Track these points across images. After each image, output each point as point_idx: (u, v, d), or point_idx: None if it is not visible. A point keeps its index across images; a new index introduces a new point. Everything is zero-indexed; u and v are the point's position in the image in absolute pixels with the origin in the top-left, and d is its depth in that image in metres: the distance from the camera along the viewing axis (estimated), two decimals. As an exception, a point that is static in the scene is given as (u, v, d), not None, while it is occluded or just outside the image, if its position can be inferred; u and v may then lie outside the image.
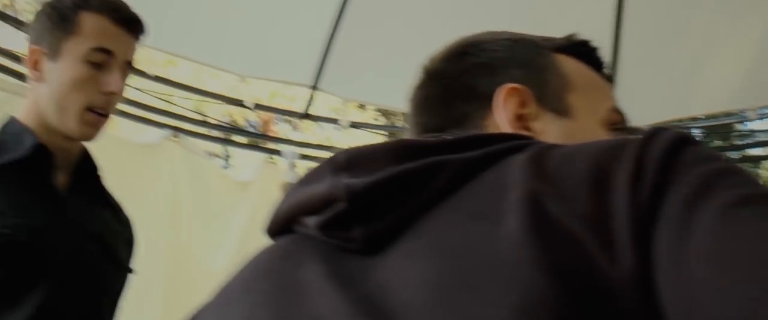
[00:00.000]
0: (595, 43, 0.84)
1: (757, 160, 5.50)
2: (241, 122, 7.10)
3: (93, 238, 1.53)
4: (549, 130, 0.76)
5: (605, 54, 0.87)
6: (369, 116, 8.47)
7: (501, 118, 0.75)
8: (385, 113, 9.10)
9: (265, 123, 5.26)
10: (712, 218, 0.46)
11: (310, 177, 0.66)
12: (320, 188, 0.63)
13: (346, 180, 0.61)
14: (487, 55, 0.80)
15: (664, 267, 0.46)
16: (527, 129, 0.75)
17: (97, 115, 1.50)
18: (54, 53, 1.49)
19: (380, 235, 0.59)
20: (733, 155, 4.71)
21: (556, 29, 0.86)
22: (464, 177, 0.60)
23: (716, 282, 0.42)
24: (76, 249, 1.48)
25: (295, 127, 4.01)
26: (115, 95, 1.51)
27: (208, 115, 4.69)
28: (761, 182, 0.50)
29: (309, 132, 6.04)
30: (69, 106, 1.47)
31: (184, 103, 3.62)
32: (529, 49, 0.81)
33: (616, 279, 0.46)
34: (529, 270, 0.48)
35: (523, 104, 0.76)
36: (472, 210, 0.56)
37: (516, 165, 0.57)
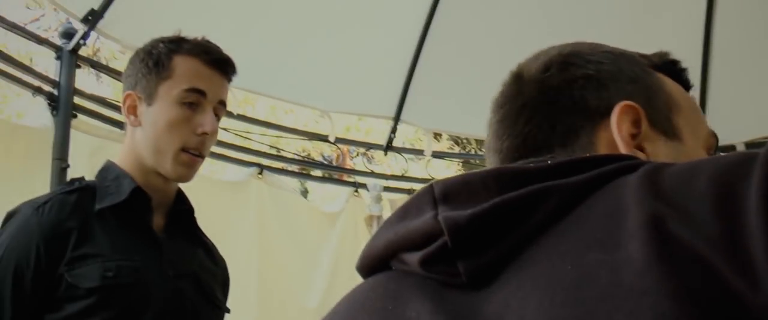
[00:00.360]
0: (684, 64, 0.81)
1: None
2: (317, 157, 7.18)
3: (190, 279, 1.56)
4: (660, 152, 0.71)
5: (694, 73, 0.82)
6: (444, 145, 8.45)
7: (615, 136, 0.71)
8: (457, 141, 9.07)
9: (340, 157, 5.29)
10: None
11: (407, 212, 0.64)
12: (419, 223, 0.60)
13: (447, 213, 0.58)
14: (594, 66, 0.75)
15: None
16: (641, 149, 0.70)
17: (192, 155, 1.52)
18: (149, 97, 1.53)
19: (486, 269, 0.57)
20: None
21: (645, 50, 0.82)
22: (571, 203, 0.57)
23: None
24: (175, 289, 1.50)
25: (370, 160, 3.98)
26: (209, 136, 1.53)
27: (286, 151, 4.73)
28: None
29: (385, 164, 6.04)
30: (165, 148, 1.50)
31: (263, 140, 3.67)
32: (634, 65, 0.76)
33: (758, 306, 0.43)
34: (657, 299, 0.44)
35: (636, 123, 0.71)
36: (585, 237, 0.53)
37: (629, 188, 0.54)
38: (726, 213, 0.47)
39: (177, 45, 1.54)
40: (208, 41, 1.59)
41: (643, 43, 0.87)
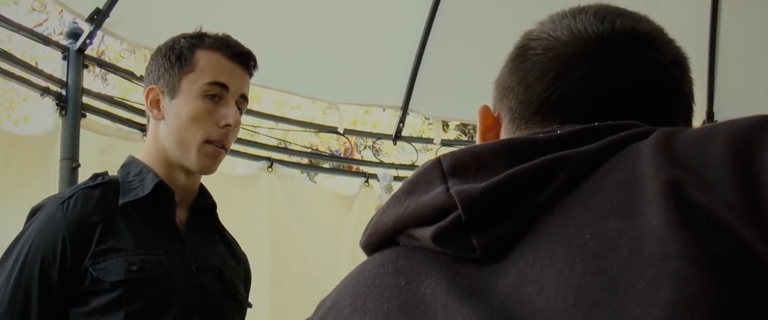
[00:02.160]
0: (691, 48, 0.78)
1: None
2: (325, 152, 7.17)
3: (212, 273, 1.56)
4: None
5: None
6: (451, 135, 8.44)
7: None
8: (464, 131, 9.06)
9: (348, 150, 5.29)
10: None
11: (415, 187, 0.62)
12: (430, 197, 0.59)
13: (459, 187, 0.58)
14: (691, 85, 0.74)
15: None
16: None
17: (216, 147, 1.53)
18: (172, 91, 1.53)
19: (500, 242, 0.56)
20: None
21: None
22: (585, 172, 0.56)
23: None
24: (199, 283, 1.51)
25: (378, 153, 3.98)
26: (231, 128, 1.54)
27: (295, 144, 4.73)
28: None
29: (392, 156, 6.04)
30: (189, 140, 1.51)
31: (271, 134, 3.67)
32: None
33: (756, 266, 0.43)
34: (679, 264, 0.44)
35: None
36: (603, 206, 0.52)
37: (644, 155, 0.53)
38: (744, 178, 0.47)
39: (199, 39, 1.55)
40: (228, 36, 1.59)
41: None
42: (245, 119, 3.51)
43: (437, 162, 0.62)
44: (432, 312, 0.54)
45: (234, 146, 3.25)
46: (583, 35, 0.70)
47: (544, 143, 0.59)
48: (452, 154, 0.62)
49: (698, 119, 2.83)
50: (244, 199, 3.12)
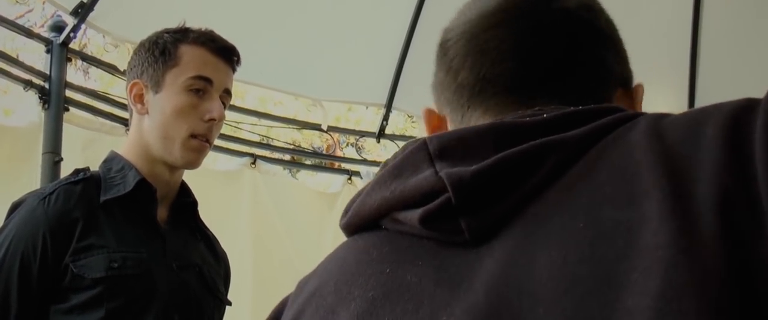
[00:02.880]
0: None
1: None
2: (308, 148, 7.16)
3: (193, 271, 1.56)
4: None
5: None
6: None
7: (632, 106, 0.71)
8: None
9: (330, 148, 5.29)
10: None
11: (401, 170, 0.61)
12: (419, 180, 0.58)
13: (449, 170, 0.57)
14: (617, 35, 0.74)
15: None
16: None
17: (200, 141, 1.53)
18: (156, 85, 1.53)
19: (489, 226, 0.55)
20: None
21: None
22: (574, 157, 0.56)
23: None
24: (180, 281, 1.51)
25: (360, 151, 3.98)
26: (216, 122, 1.54)
27: (278, 141, 4.73)
28: None
29: (375, 154, 6.04)
30: (174, 134, 1.51)
31: (254, 130, 3.66)
32: None
33: (766, 255, 0.43)
34: (670, 253, 0.44)
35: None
36: (596, 194, 0.51)
37: (636, 142, 0.53)
38: (738, 162, 0.47)
39: (183, 34, 1.56)
40: (212, 31, 1.60)
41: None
42: (228, 115, 3.50)
43: (423, 144, 0.61)
44: (418, 301, 0.54)
45: (217, 142, 3.25)
46: (489, 9, 0.71)
47: (530, 126, 0.59)
48: (438, 136, 0.61)
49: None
50: (226, 195, 3.11)
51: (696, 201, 0.46)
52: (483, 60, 0.69)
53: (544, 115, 0.60)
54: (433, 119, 0.76)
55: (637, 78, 0.75)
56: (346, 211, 0.67)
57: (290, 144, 5.21)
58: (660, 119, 0.55)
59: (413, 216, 0.58)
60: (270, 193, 3.24)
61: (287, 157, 4.22)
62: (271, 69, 3.21)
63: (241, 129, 3.68)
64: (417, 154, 0.60)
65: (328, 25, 3.22)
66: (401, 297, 0.56)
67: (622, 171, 0.52)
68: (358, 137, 3.98)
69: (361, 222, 0.65)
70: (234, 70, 1.61)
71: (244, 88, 4.95)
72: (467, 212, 0.56)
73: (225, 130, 3.41)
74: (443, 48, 0.74)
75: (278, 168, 3.68)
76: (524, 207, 0.55)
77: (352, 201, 0.66)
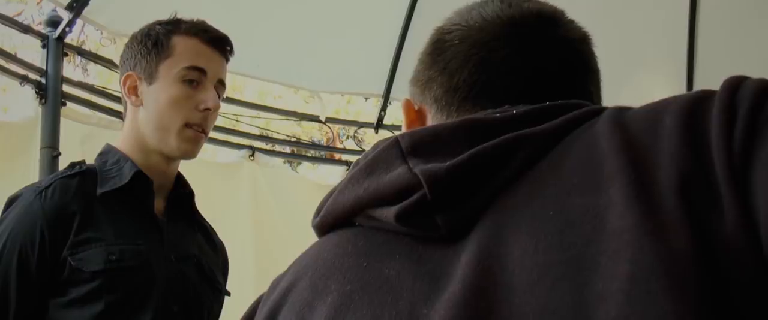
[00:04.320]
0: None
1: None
2: (307, 140, 7.16)
3: (191, 262, 1.56)
4: None
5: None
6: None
7: None
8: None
9: (330, 140, 5.28)
10: None
11: (374, 167, 0.62)
12: (392, 177, 0.59)
13: (422, 166, 0.57)
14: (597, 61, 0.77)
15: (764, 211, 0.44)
16: None
17: (195, 131, 1.53)
18: (150, 77, 1.53)
19: (464, 220, 0.56)
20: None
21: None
22: (543, 150, 0.57)
23: None
24: (178, 272, 1.51)
25: (360, 143, 3.98)
26: (211, 112, 1.54)
27: (277, 134, 4.72)
28: None
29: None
30: (169, 125, 1.51)
31: (254, 123, 3.66)
32: None
33: (726, 235, 0.44)
34: (636, 236, 0.46)
35: None
36: (564, 183, 0.53)
37: (600, 133, 0.55)
38: (694, 149, 0.49)
39: (175, 25, 1.55)
40: (204, 22, 1.59)
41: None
42: (228, 108, 3.52)
43: (395, 141, 0.62)
44: (396, 294, 0.55)
45: (216, 135, 3.26)
46: (496, 20, 0.72)
47: (501, 122, 0.60)
48: (410, 133, 0.62)
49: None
50: (226, 187, 3.12)
51: (658, 186, 0.48)
52: (486, 68, 0.70)
53: (514, 111, 0.62)
54: (411, 112, 0.77)
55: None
56: (318, 211, 0.68)
57: (290, 137, 5.21)
58: (623, 112, 0.57)
59: (389, 212, 0.59)
60: (269, 185, 3.25)
61: (287, 150, 4.21)
62: (268, 61, 3.22)
63: (240, 122, 3.68)
64: (389, 151, 0.61)
65: (326, 17, 3.21)
66: (379, 290, 0.56)
67: (588, 161, 0.53)
68: (357, 128, 3.97)
69: (335, 221, 0.66)
70: (227, 60, 1.61)
71: (242, 82, 4.94)
72: (443, 207, 0.57)
73: (224, 122, 3.42)
74: (438, 46, 0.75)
75: (278, 160, 3.69)
76: (498, 200, 0.56)
77: (324, 200, 0.67)
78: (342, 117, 5.25)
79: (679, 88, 3.35)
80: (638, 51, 3.23)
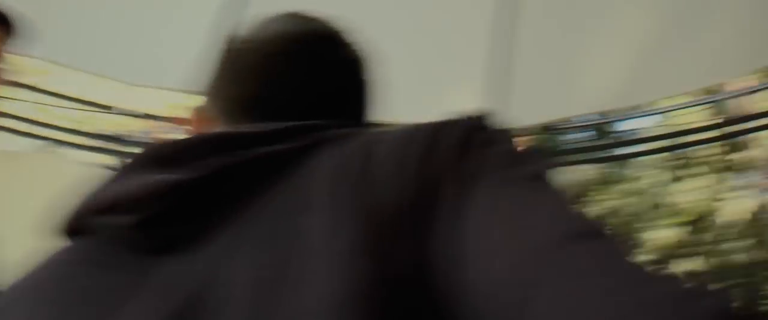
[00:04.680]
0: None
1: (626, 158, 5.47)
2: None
3: None
4: None
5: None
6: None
7: None
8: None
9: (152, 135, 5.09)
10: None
11: (118, 175, 0.62)
12: (133, 185, 0.59)
13: (161, 177, 0.59)
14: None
15: (444, 240, 0.50)
16: None
17: None
18: None
19: (195, 233, 0.58)
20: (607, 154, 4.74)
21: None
22: (281, 169, 0.60)
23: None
24: None
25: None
26: None
27: (86, 127, 4.53)
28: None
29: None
30: None
31: (63, 113, 3.49)
32: None
33: (417, 259, 0.50)
34: (331, 254, 0.50)
35: None
36: (285, 203, 0.57)
37: (326, 156, 0.59)
38: (399, 179, 0.54)
39: None
40: None
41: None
42: (30, 96, 3.32)
43: (146, 150, 0.63)
44: (121, 301, 0.55)
45: (17, 124, 3.06)
46: (282, 35, 0.76)
47: (250, 138, 0.63)
48: (156, 144, 0.64)
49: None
50: (17, 179, 2.95)
51: (365, 209, 0.52)
52: (266, 83, 0.74)
53: (255, 130, 0.64)
54: (200, 119, 0.78)
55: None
56: (56, 217, 0.66)
57: (104, 132, 4.98)
58: (352, 135, 0.62)
59: (122, 221, 0.59)
60: (69, 180, 3.10)
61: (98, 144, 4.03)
62: (85, 51, 3.05)
63: (43, 111, 3.48)
64: (136, 160, 0.63)
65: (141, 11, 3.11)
66: (104, 299, 0.56)
67: (308, 183, 0.57)
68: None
69: (68, 228, 0.64)
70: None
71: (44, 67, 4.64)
72: (173, 220, 0.58)
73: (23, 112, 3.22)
74: (231, 56, 0.77)
75: (84, 154, 3.53)
76: (229, 216, 0.58)
77: (65, 207, 0.66)
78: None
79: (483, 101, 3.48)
80: (447, 65, 3.33)
